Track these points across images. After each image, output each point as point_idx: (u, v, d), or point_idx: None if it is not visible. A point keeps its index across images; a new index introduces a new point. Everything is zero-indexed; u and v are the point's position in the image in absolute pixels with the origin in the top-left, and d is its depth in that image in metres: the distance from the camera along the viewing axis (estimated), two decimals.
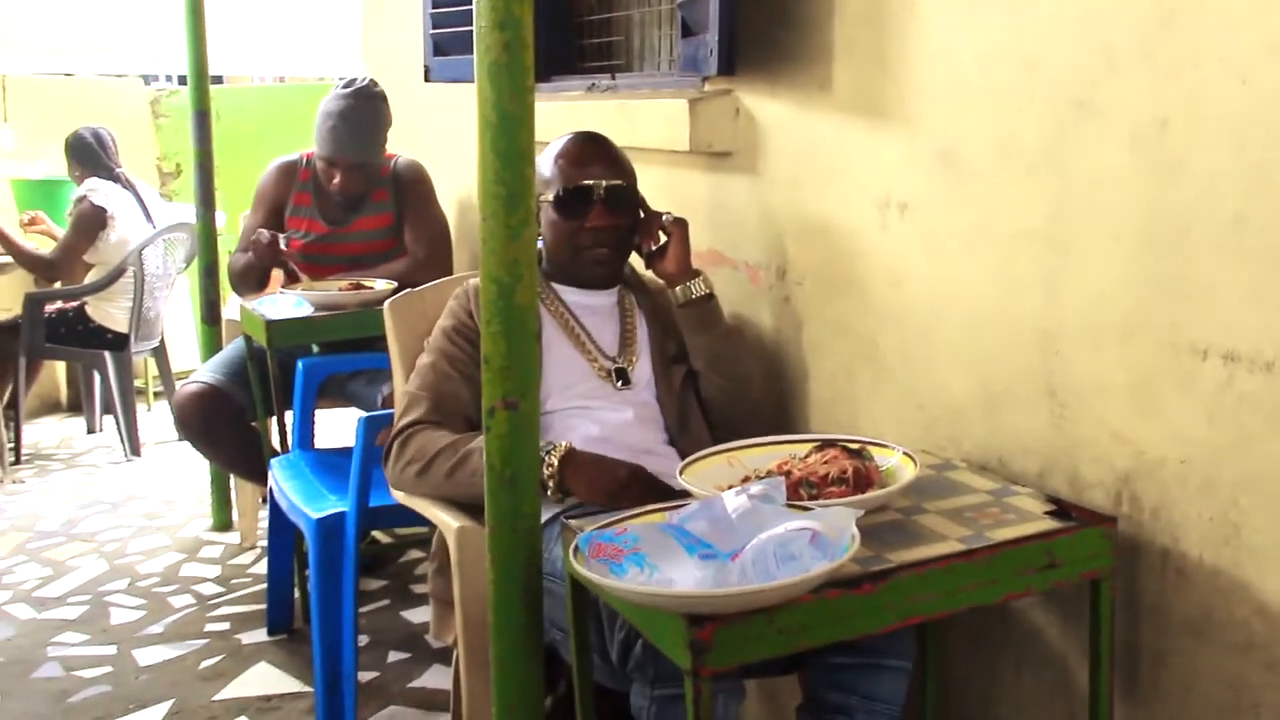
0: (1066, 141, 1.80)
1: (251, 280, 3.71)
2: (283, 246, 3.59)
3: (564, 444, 2.09)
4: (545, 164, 2.36)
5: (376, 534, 3.87)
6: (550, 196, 2.33)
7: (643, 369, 2.41)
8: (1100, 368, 1.79)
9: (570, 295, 2.43)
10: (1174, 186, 1.63)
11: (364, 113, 3.62)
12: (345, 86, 3.68)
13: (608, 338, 2.42)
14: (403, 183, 3.75)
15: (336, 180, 3.61)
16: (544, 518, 1.85)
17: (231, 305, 4.24)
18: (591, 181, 2.33)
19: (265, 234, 3.58)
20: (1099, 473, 1.80)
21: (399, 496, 2.40)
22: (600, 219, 2.34)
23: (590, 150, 2.41)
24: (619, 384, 2.35)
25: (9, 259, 5.42)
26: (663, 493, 2.01)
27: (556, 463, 2.05)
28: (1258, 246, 1.53)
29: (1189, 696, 1.70)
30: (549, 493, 2.03)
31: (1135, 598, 1.76)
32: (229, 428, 3.60)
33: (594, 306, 2.44)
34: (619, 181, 2.37)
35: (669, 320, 2.45)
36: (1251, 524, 1.58)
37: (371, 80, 3.74)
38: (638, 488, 2.02)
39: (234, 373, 3.58)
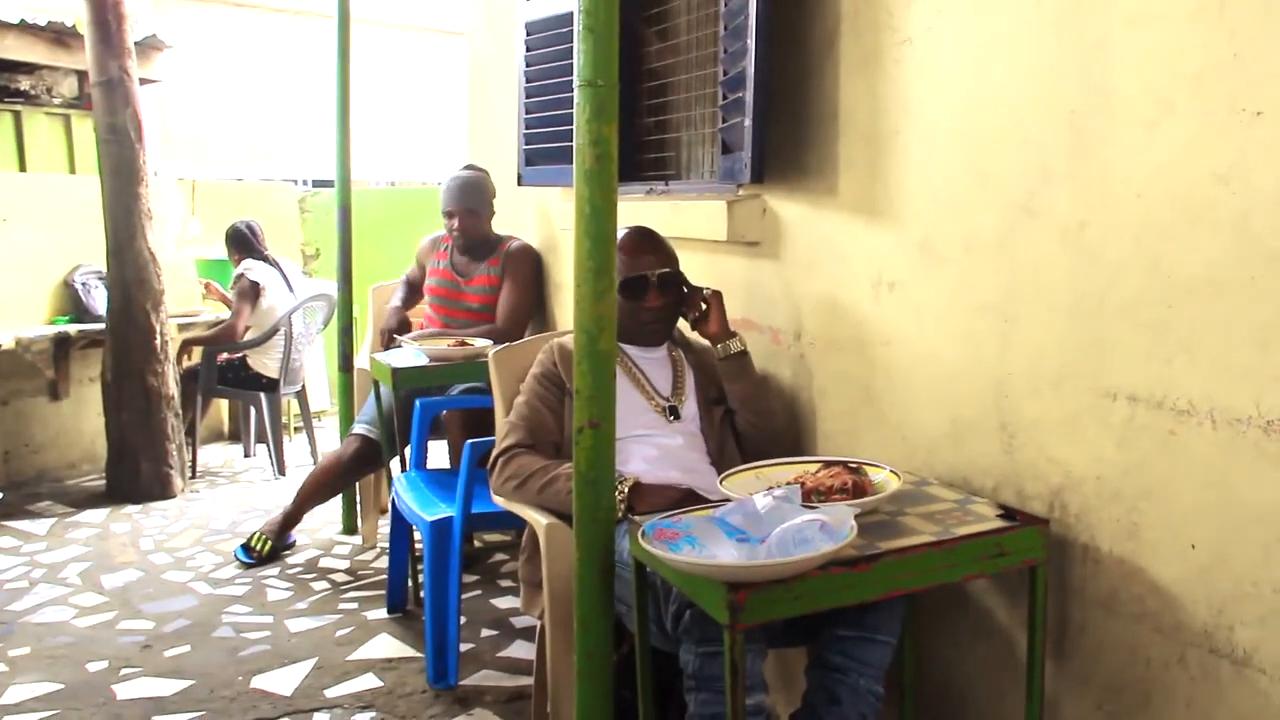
0: (1014, 236, 1.88)
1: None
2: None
3: (631, 477, 2.18)
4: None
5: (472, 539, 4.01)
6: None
7: (690, 407, 2.45)
8: (1039, 407, 1.85)
9: (632, 350, 2.48)
10: (1092, 271, 1.72)
11: (470, 177, 3.92)
12: (462, 167, 3.99)
13: (662, 382, 2.46)
14: (511, 260, 3.94)
15: (456, 225, 3.87)
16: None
17: (362, 356, 4.41)
18: (646, 272, 2.41)
19: (390, 334, 3.95)
20: (1038, 487, 1.87)
21: (499, 501, 2.46)
22: (654, 300, 2.43)
23: (643, 244, 2.46)
24: (671, 418, 2.41)
25: (193, 321, 5.68)
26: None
27: (627, 491, 2.14)
28: (1152, 316, 1.62)
29: (1100, 655, 1.77)
30: (619, 514, 2.07)
31: (1063, 581, 1.82)
32: (369, 467, 3.97)
33: (651, 359, 2.49)
34: (667, 269, 2.44)
35: (710, 371, 2.50)
36: (1147, 523, 1.66)
37: (477, 164, 4.07)
38: (688, 506, 2.07)
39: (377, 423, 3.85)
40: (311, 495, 4.02)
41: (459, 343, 3.59)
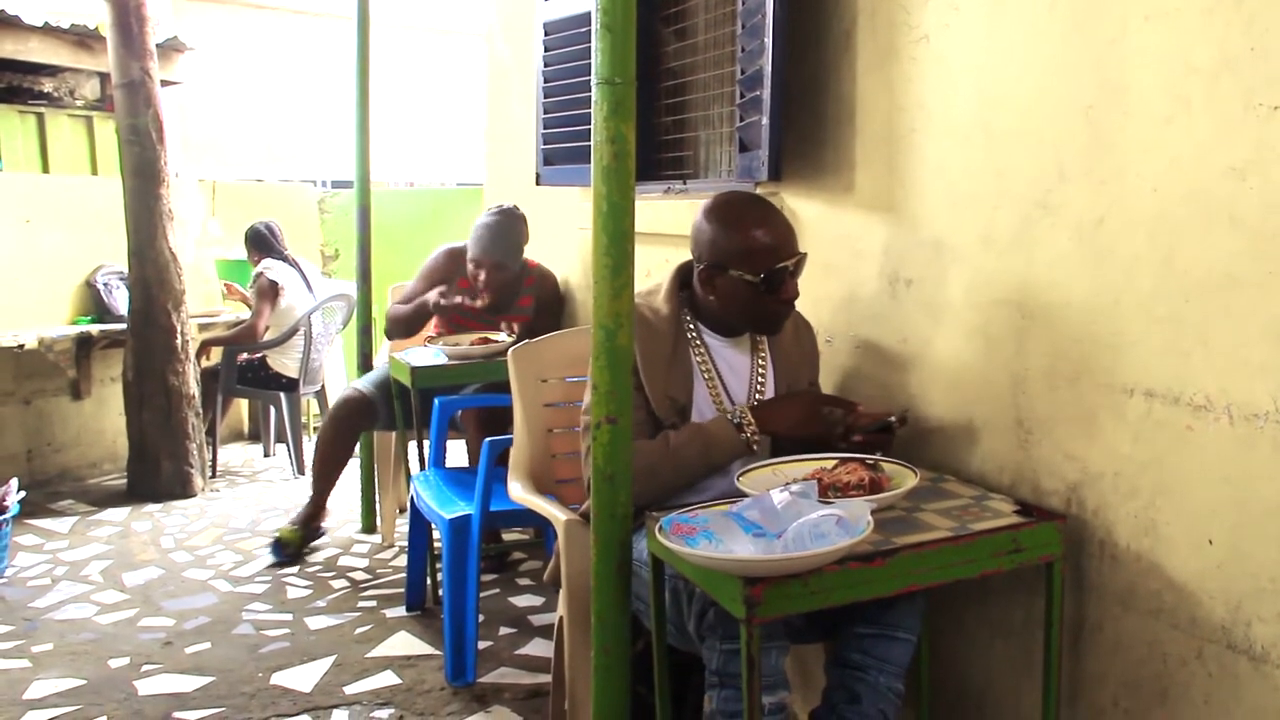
0: (1029, 233, 1.89)
1: (411, 329, 3.87)
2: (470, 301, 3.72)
3: (737, 406, 2.06)
4: (729, 236, 2.06)
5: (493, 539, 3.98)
6: (749, 277, 2.04)
7: None
8: (1055, 403, 1.86)
9: (712, 340, 2.18)
10: (1107, 267, 1.73)
11: (506, 226, 3.71)
12: (496, 209, 3.78)
13: (739, 388, 2.18)
14: (544, 295, 3.92)
15: (482, 278, 3.69)
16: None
17: (381, 356, 4.44)
18: (788, 262, 2.06)
19: (455, 300, 3.70)
20: (1054, 483, 1.88)
21: (517, 498, 2.51)
22: (792, 291, 2.09)
23: (775, 227, 2.08)
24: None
25: (213, 321, 5.74)
26: (833, 402, 2.08)
27: (750, 416, 2.03)
28: (1168, 312, 1.63)
29: (1117, 651, 1.78)
30: (752, 442, 2.01)
31: (1080, 577, 1.83)
32: (362, 423, 3.95)
33: (731, 355, 2.20)
34: (802, 254, 2.10)
35: (794, 377, 2.24)
36: (1164, 519, 1.67)
37: (515, 206, 3.83)
38: (818, 408, 2.06)
39: (379, 385, 3.86)
40: (322, 471, 4.04)
41: (480, 340, 3.62)
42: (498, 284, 3.72)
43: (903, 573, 1.65)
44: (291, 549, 4.02)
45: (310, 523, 4.11)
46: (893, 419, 2.06)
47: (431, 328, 3.99)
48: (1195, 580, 1.63)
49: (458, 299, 3.72)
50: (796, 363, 2.26)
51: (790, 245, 2.08)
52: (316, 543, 4.21)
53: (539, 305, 3.92)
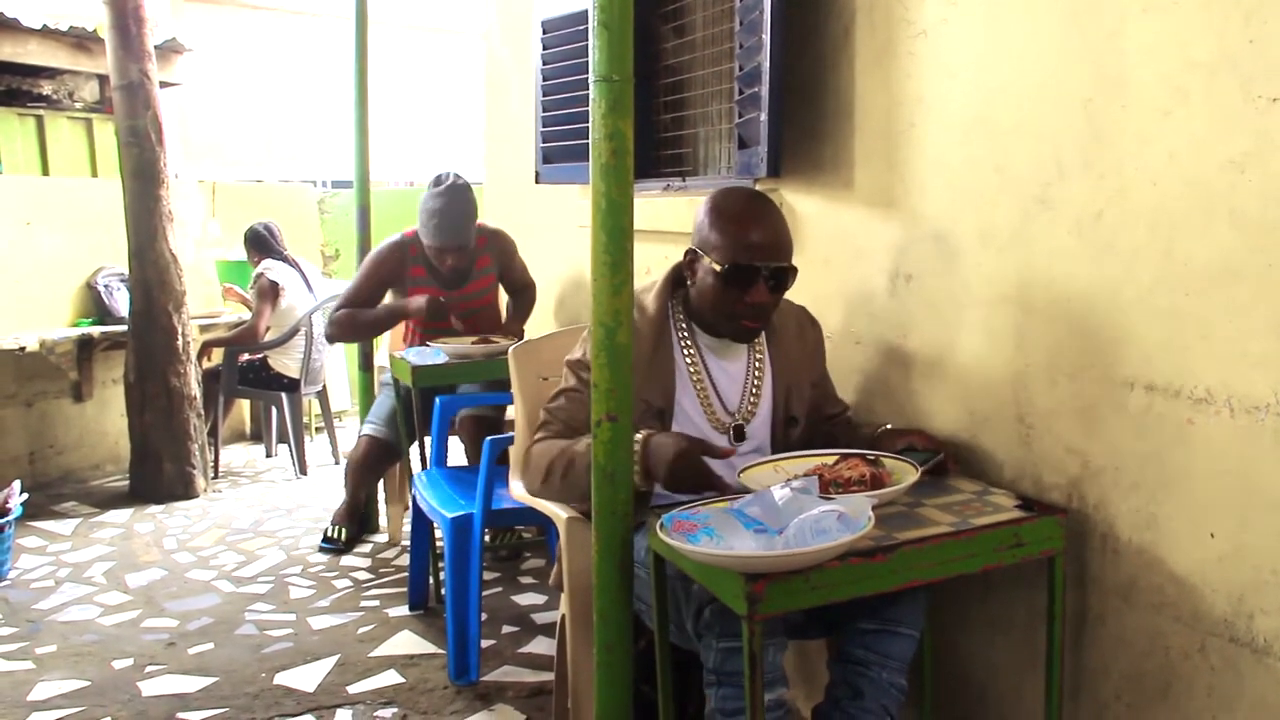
0: (1029, 228, 1.89)
1: (376, 334, 3.89)
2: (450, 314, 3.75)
3: (642, 434, 1.90)
4: (712, 222, 2.02)
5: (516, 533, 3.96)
6: (716, 265, 1.99)
7: (759, 425, 2.14)
8: (1056, 398, 1.86)
9: (706, 340, 2.12)
10: (1107, 261, 1.73)
11: (459, 204, 3.73)
12: (437, 185, 3.76)
13: (732, 389, 2.12)
14: (502, 252, 3.95)
15: (449, 263, 3.74)
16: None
17: (381, 354, 4.44)
18: (760, 264, 1.98)
19: (438, 300, 3.70)
20: (1056, 478, 1.88)
21: (527, 499, 2.49)
22: (761, 296, 1.99)
23: (762, 226, 2.00)
24: (735, 441, 2.09)
25: (214, 322, 5.74)
26: (705, 475, 1.87)
27: (644, 449, 1.89)
28: (1168, 305, 1.63)
29: (1119, 645, 1.78)
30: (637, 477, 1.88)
31: (1081, 571, 1.83)
32: (384, 463, 4.00)
33: (725, 359, 2.13)
34: (784, 264, 2.01)
35: (795, 379, 2.18)
36: (1165, 512, 1.67)
37: (457, 175, 3.81)
38: (689, 470, 1.86)
39: (389, 421, 3.89)
40: (357, 484, 4.11)
41: (480, 340, 3.62)
42: (464, 262, 3.79)
43: (904, 568, 1.65)
44: (340, 543, 4.12)
45: (351, 519, 4.18)
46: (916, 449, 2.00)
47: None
48: (1197, 574, 1.63)
49: (448, 298, 3.75)
50: (797, 364, 2.19)
51: (773, 249, 2.00)
52: (319, 543, 4.20)
53: (500, 264, 3.94)
